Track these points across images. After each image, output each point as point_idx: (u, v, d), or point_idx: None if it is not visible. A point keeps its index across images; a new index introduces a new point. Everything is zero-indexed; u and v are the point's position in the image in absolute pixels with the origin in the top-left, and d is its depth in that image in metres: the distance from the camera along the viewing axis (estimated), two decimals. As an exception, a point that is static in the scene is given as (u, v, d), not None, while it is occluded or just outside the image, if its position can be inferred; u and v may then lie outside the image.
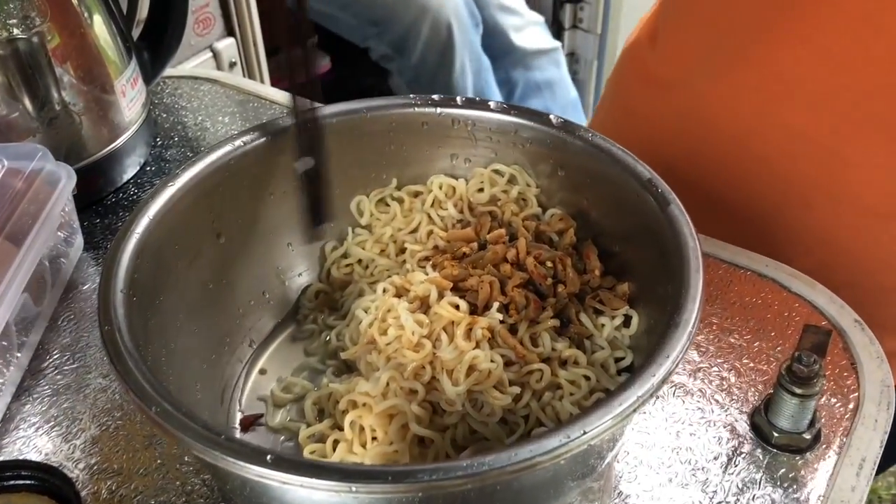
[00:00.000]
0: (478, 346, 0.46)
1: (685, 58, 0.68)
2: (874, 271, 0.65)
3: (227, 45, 1.42)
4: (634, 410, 0.35)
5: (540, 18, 1.83)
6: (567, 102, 1.86)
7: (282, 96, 0.81)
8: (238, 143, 0.52)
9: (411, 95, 0.55)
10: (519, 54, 1.82)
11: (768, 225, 0.67)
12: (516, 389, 0.46)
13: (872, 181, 0.60)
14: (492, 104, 0.54)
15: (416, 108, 0.55)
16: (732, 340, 0.55)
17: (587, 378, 0.47)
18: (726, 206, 0.67)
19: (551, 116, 0.53)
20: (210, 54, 1.40)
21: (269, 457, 0.34)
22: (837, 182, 0.62)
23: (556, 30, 1.93)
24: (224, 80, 0.85)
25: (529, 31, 1.81)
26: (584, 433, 0.34)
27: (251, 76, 1.47)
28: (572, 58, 1.99)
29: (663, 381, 0.36)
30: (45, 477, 0.46)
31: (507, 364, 0.47)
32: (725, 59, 0.64)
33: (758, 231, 0.66)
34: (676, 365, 0.37)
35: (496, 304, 0.48)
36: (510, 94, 1.84)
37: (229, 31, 1.42)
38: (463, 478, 0.33)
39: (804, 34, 0.57)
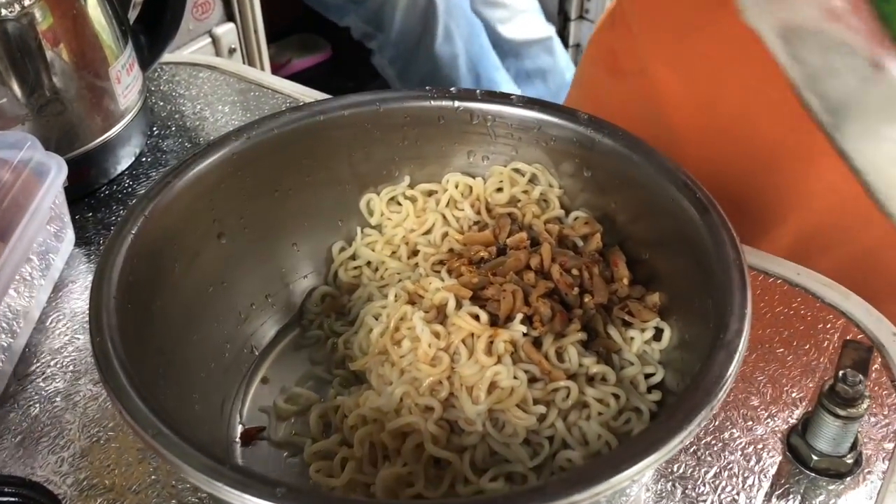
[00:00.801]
0: (499, 361, 0.43)
1: (639, 36, 0.68)
2: (852, 229, 0.64)
3: (227, 31, 1.38)
4: (682, 442, 0.32)
5: (531, 5, 1.78)
6: (561, 87, 1.81)
7: (283, 85, 0.78)
8: (242, 136, 0.48)
9: (427, 87, 0.52)
10: (508, 46, 1.78)
11: (739, 198, 0.66)
12: (541, 408, 0.42)
13: None
14: (513, 98, 0.51)
15: (433, 101, 0.51)
16: (765, 353, 0.52)
17: (616, 397, 0.44)
18: None
19: (578, 112, 0.49)
20: (209, 40, 1.36)
21: (278, 490, 0.30)
22: (800, 138, 0.60)
23: (563, 20, 1.89)
24: (224, 66, 0.81)
25: (518, 21, 1.77)
26: (627, 470, 0.31)
27: (251, 63, 1.43)
28: (578, 49, 1.95)
29: (713, 409, 0.33)
30: (30, 494, 0.43)
31: (532, 381, 0.43)
32: (676, 30, 0.63)
33: (729, 207, 0.66)
34: (726, 393, 0.34)
35: (519, 316, 0.45)
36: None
37: (229, 16, 1.39)
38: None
39: None
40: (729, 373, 0.35)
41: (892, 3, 0.33)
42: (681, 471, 0.46)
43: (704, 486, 0.46)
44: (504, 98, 0.51)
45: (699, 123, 0.65)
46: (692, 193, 0.44)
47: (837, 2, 0.34)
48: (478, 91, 0.51)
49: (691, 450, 0.47)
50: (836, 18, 0.34)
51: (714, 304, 0.39)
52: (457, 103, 0.51)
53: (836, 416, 0.44)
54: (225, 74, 0.80)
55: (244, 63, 1.41)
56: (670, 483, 0.46)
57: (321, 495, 0.30)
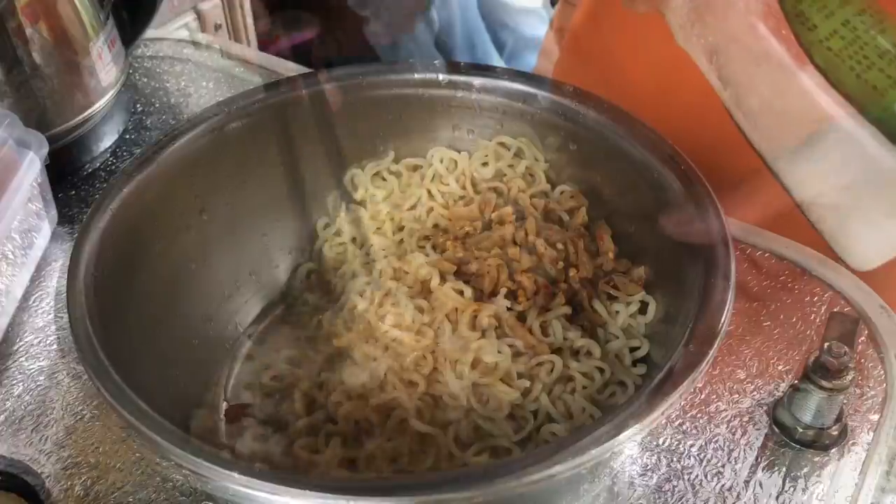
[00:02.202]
0: (483, 335, 0.43)
1: (601, 20, 0.68)
2: None
3: (213, 7, 1.36)
4: (663, 413, 0.32)
5: None
6: None
7: (269, 61, 0.77)
8: (223, 112, 0.47)
9: (411, 60, 0.51)
10: (505, 11, 1.76)
11: (708, 180, 0.66)
12: (525, 383, 0.42)
13: None
14: (498, 70, 0.50)
15: (417, 74, 0.51)
16: (752, 327, 0.52)
17: (601, 370, 0.43)
18: None
19: (563, 85, 0.49)
20: (194, 16, 1.34)
21: (257, 466, 0.30)
22: None
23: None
24: (209, 43, 0.80)
25: None
26: (609, 441, 0.31)
27: (237, 40, 1.42)
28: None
29: (694, 381, 0.33)
30: (12, 473, 0.43)
31: (516, 355, 0.43)
32: (638, 14, 0.61)
33: None
34: (709, 364, 0.34)
35: (503, 290, 0.44)
36: (500, 53, 1.78)
37: (215, -8, 1.37)
38: (471, 492, 0.30)
39: None
40: (711, 346, 0.35)
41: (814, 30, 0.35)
42: (666, 444, 0.46)
43: (690, 458, 0.46)
44: (489, 71, 0.51)
45: (661, 106, 0.64)
46: (677, 166, 0.43)
47: (760, 22, 0.35)
48: (462, 63, 0.51)
49: (677, 423, 0.47)
50: (758, 35, 0.36)
51: (698, 277, 0.39)
52: (441, 76, 0.51)
53: (822, 388, 0.44)
54: (210, 51, 0.79)
55: (230, 39, 1.40)
56: (655, 456, 0.46)
57: (298, 472, 0.30)
